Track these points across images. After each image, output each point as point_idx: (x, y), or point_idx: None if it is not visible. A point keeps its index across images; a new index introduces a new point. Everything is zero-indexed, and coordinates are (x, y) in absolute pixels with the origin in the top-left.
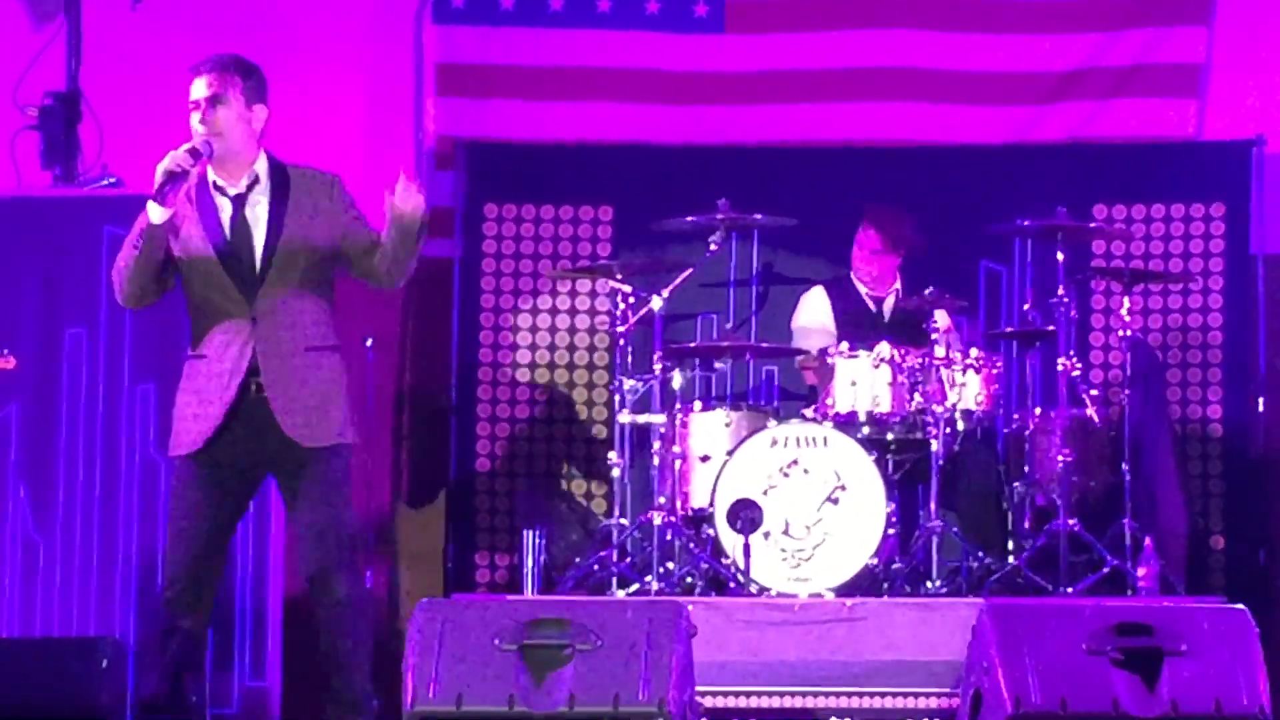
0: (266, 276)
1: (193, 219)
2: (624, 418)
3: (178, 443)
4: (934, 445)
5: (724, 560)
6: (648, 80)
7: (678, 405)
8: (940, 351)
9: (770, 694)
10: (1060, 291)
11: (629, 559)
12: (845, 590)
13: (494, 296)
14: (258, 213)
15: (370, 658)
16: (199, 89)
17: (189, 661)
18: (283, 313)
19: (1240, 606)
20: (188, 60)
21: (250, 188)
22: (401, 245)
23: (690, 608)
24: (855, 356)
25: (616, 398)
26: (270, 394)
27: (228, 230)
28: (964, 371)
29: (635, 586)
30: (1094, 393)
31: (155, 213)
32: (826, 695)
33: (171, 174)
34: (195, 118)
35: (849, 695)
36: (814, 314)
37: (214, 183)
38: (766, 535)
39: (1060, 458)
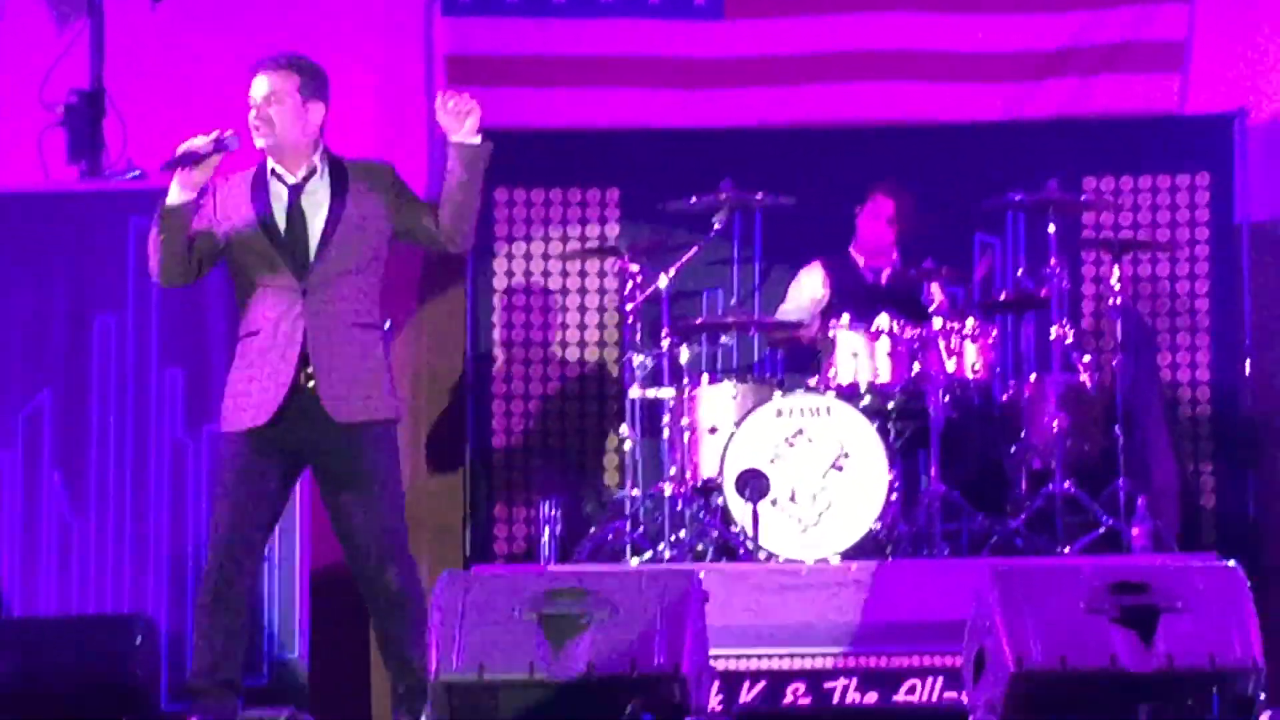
0: (321, 256)
1: (245, 204)
2: (634, 392)
3: (230, 419)
4: (933, 413)
5: (733, 528)
6: (650, 66)
7: (685, 379)
8: (938, 323)
9: (780, 656)
10: (1052, 262)
11: (642, 528)
12: (851, 555)
13: (506, 278)
14: (316, 199)
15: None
16: (258, 87)
17: (237, 632)
18: (333, 289)
19: (1233, 564)
20: (206, 56)
21: (307, 178)
22: (466, 181)
23: (702, 574)
24: (856, 329)
25: (626, 373)
26: (318, 372)
27: (283, 214)
28: (960, 341)
29: (648, 555)
30: (1086, 359)
31: (173, 193)
32: (834, 656)
33: (188, 154)
34: (251, 115)
35: (856, 656)
36: (806, 290)
37: (273, 170)
38: (774, 503)
39: (1055, 422)
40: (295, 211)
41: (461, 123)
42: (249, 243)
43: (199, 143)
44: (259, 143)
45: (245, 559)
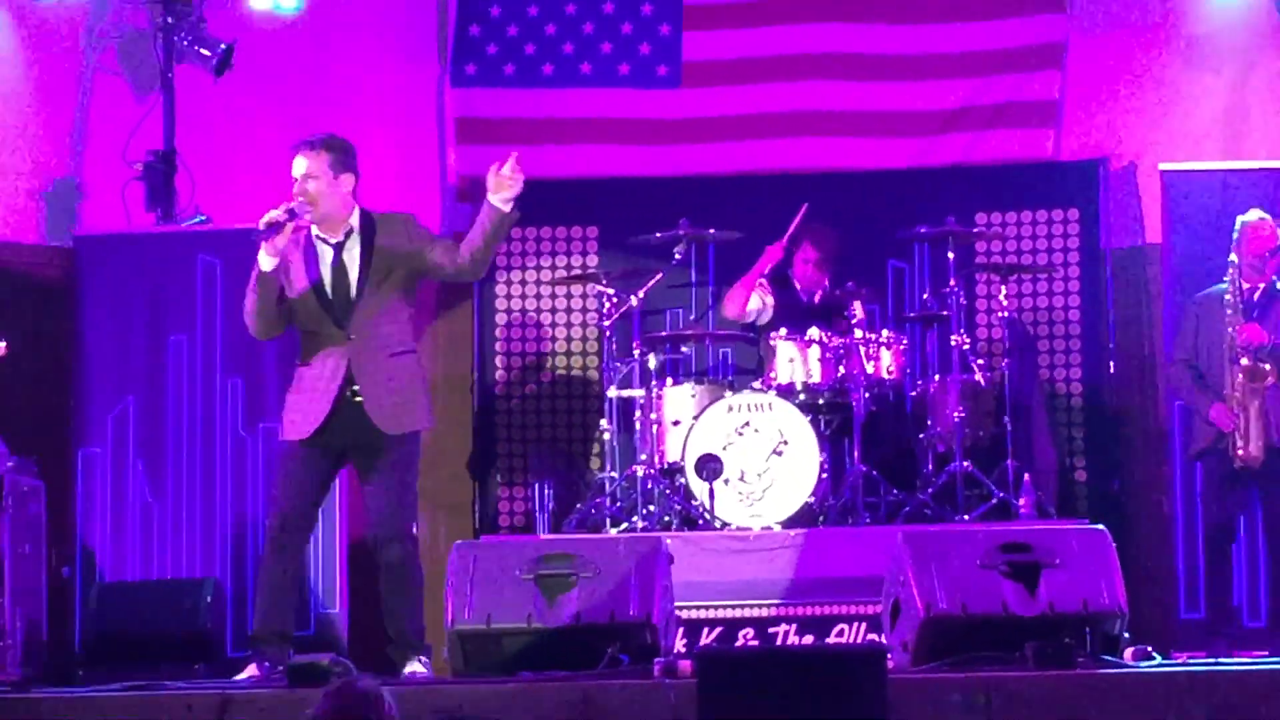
0: (359, 305)
1: (299, 266)
2: (611, 393)
3: (288, 430)
4: (856, 407)
5: (693, 503)
6: (622, 127)
7: (653, 381)
8: (859, 333)
9: (733, 607)
10: (951, 283)
11: (618, 504)
12: (789, 523)
13: (506, 300)
14: (354, 255)
15: (420, 602)
16: (296, 168)
17: (291, 591)
18: (372, 329)
19: (1101, 527)
20: (259, 120)
21: (347, 236)
22: (491, 237)
23: (668, 541)
24: (792, 339)
25: (605, 377)
26: (364, 395)
27: (329, 272)
28: (878, 348)
29: (624, 525)
30: (980, 362)
31: (264, 262)
32: (776, 606)
33: (270, 224)
34: (295, 188)
35: (794, 605)
36: (757, 308)
37: (317, 236)
38: (726, 482)
39: (955, 414)
40: (339, 270)
41: (510, 188)
42: (303, 301)
43: (276, 214)
44: (307, 218)
45: (299, 532)
